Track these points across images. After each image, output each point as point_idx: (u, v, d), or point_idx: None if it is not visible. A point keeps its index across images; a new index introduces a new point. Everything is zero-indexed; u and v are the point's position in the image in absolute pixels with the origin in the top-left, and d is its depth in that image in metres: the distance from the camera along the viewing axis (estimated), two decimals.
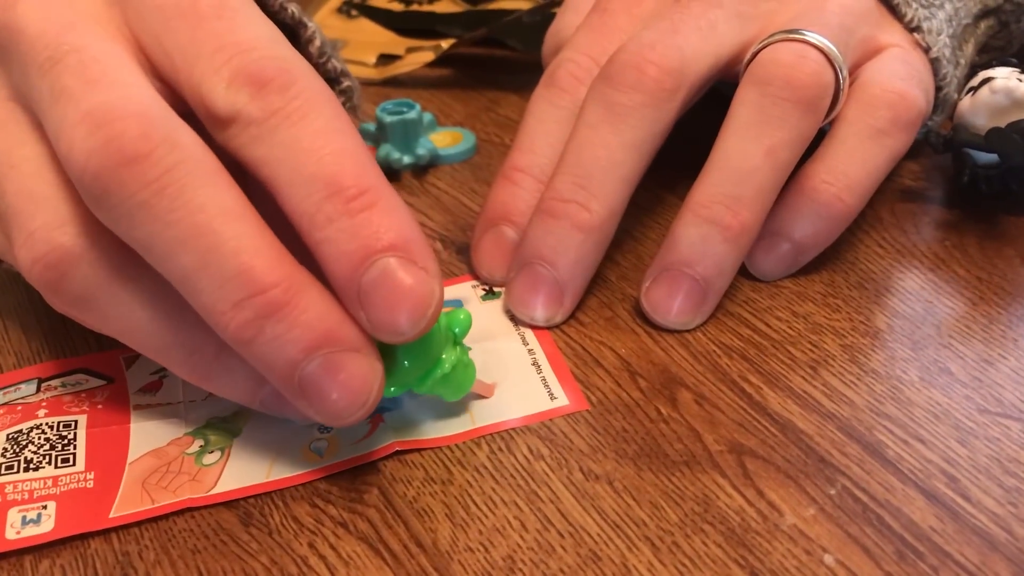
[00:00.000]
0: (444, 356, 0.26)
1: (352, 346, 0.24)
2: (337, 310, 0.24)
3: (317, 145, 0.23)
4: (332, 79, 0.32)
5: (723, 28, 0.31)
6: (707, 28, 0.31)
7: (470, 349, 0.28)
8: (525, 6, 0.50)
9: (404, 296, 0.23)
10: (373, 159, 0.24)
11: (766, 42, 0.30)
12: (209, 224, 0.23)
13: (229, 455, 0.27)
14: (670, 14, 0.31)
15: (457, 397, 0.27)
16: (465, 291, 0.32)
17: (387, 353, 0.25)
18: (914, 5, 0.34)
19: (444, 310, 0.25)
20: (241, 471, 0.26)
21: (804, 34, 0.30)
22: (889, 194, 0.36)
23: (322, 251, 0.23)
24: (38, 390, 0.29)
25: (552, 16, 0.39)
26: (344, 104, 0.32)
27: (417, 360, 0.26)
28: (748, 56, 0.30)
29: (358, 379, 0.24)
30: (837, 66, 0.30)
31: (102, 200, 0.23)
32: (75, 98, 0.23)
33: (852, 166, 0.30)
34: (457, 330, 0.27)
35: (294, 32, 0.31)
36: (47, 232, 0.24)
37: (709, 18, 0.31)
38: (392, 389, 0.26)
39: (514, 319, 0.31)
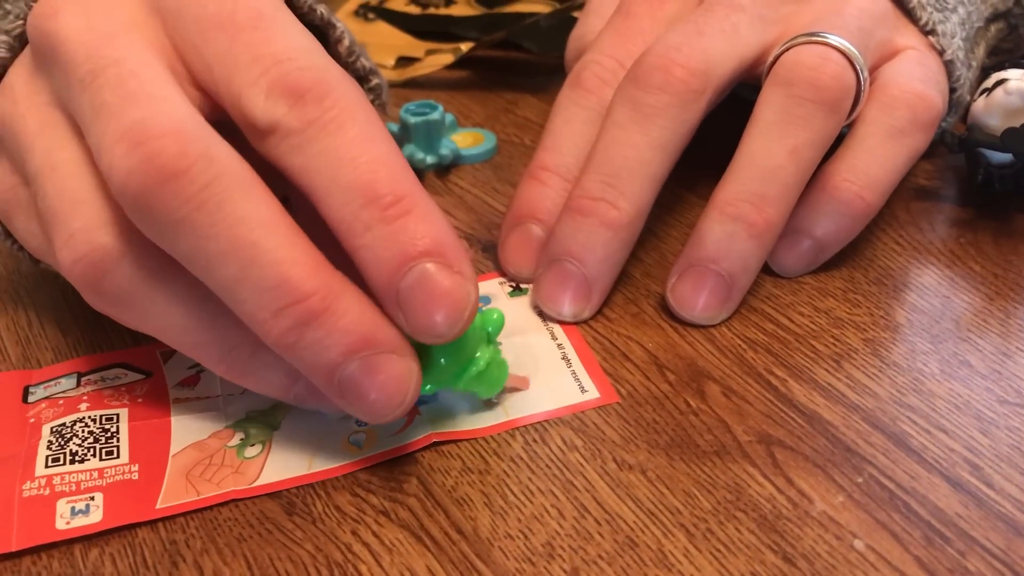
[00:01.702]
0: (479, 354, 0.27)
1: (390, 348, 0.24)
2: (374, 313, 0.25)
3: (353, 154, 0.24)
4: (361, 77, 0.32)
5: (746, 31, 0.32)
6: (731, 31, 0.32)
7: (500, 344, 0.28)
8: (541, 9, 0.51)
9: (441, 299, 0.24)
10: (407, 165, 0.25)
11: (788, 44, 0.31)
12: (248, 236, 0.24)
13: (270, 448, 0.27)
14: (694, 17, 0.32)
15: (492, 394, 0.28)
16: (492, 287, 0.33)
17: (424, 352, 0.26)
18: (929, 9, 0.35)
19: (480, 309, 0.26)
20: (283, 464, 0.27)
21: (826, 37, 0.31)
22: (904, 193, 0.37)
23: (361, 257, 0.24)
24: (78, 384, 0.30)
25: (569, 19, 0.40)
26: (373, 102, 0.32)
27: (453, 358, 0.26)
28: (771, 58, 0.31)
29: (396, 380, 0.24)
30: (858, 68, 0.30)
31: (144, 217, 0.24)
32: (114, 114, 0.24)
33: (872, 165, 0.31)
34: (491, 329, 0.28)
35: (323, 32, 0.31)
36: (88, 233, 0.25)
37: (732, 21, 0.32)
38: (429, 387, 0.26)
39: (542, 315, 0.32)
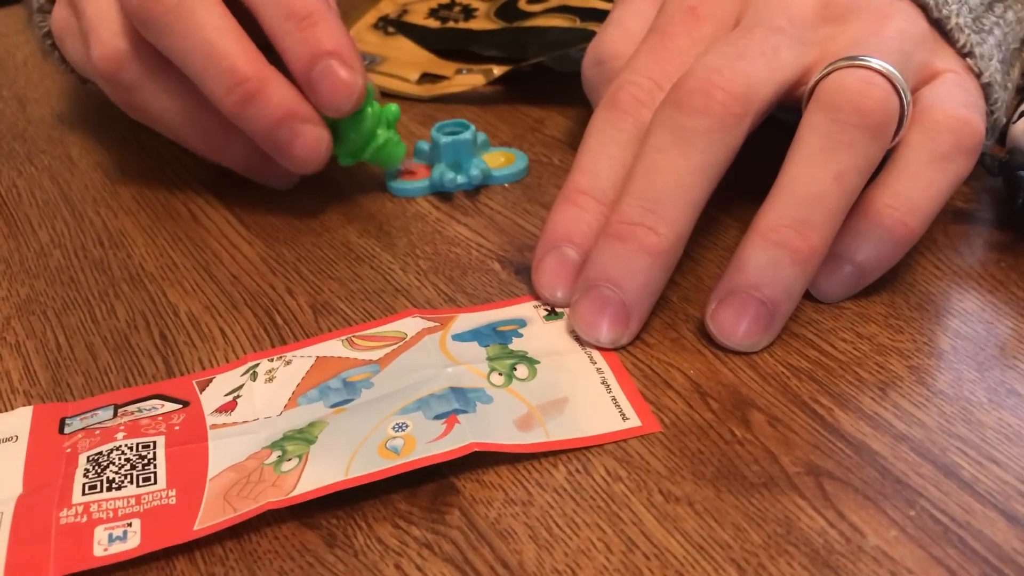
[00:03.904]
0: (379, 132, 0.38)
1: (307, 119, 0.36)
2: (296, 95, 0.36)
3: None
4: None
5: (786, 53, 0.31)
6: (771, 53, 0.31)
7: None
8: (560, 23, 0.50)
9: (338, 85, 0.35)
10: None
11: (830, 68, 0.30)
12: (207, 37, 0.35)
13: (307, 461, 0.27)
14: (734, 40, 0.32)
15: (392, 166, 0.40)
16: (527, 311, 0.33)
17: (336, 129, 0.37)
18: (967, 31, 0.34)
19: (381, 104, 0.38)
20: (319, 473, 0.26)
21: (868, 60, 0.30)
22: (942, 215, 0.36)
23: (285, 57, 0.36)
24: (115, 415, 0.29)
25: None
26: None
27: (358, 134, 0.38)
28: (812, 82, 0.31)
29: (313, 141, 0.36)
30: (902, 91, 0.30)
31: (142, 24, 0.36)
32: None
33: (915, 191, 0.31)
34: (390, 118, 0.39)
35: None
36: (112, 38, 0.37)
37: (772, 43, 0.31)
38: (343, 156, 0.38)
39: (579, 340, 0.31)
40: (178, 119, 0.38)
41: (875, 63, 0.30)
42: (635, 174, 0.31)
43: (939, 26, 0.34)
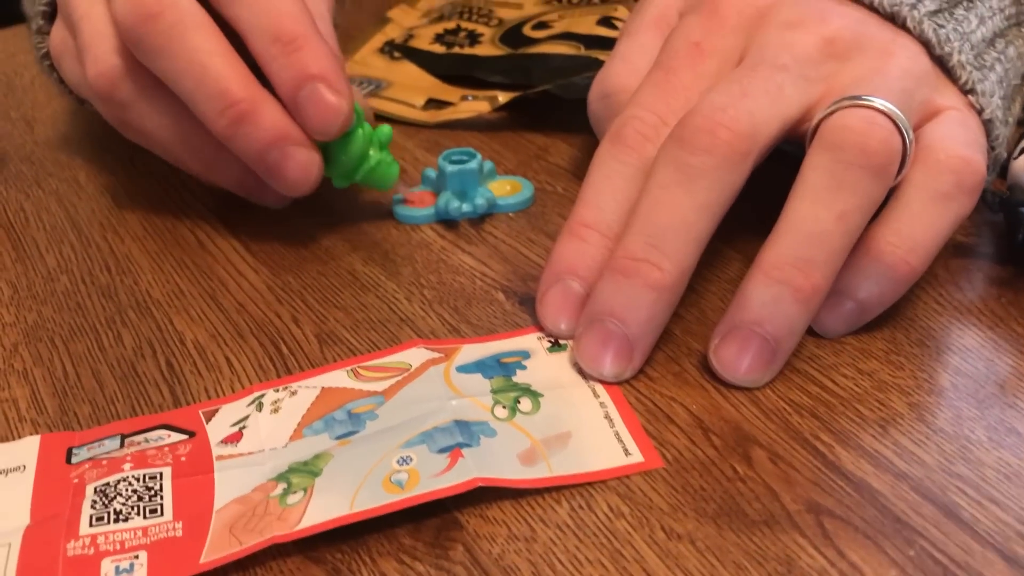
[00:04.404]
0: (371, 154, 0.38)
1: (298, 142, 0.36)
2: (287, 117, 0.36)
3: (266, 7, 0.36)
4: None
5: (790, 91, 0.32)
6: (775, 91, 0.32)
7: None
8: (565, 51, 0.51)
9: (324, 109, 0.36)
10: (307, 14, 0.36)
11: (834, 107, 0.31)
12: (199, 59, 0.35)
13: (312, 494, 0.27)
14: (739, 77, 0.32)
15: (385, 187, 0.39)
16: (531, 343, 0.33)
17: (327, 152, 0.38)
18: (968, 68, 0.35)
19: (373, 125, 0.39)
20: (325, 506, 0.27)
21: (871, 100, 0.31)
22: (943, 250, 0.36)
23: (273, 80, 0.36)
24: (122, 445, 0.29)
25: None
26: None
27: (349, 156, 0.38)
28: (815, 120, 0.31)
29: (304, 162, 0.37)
30: (904, 131, 0.31)
31: (135, 45, 0.36)
32: None
33: (917, 229, 0.31)
34: (382, 139, 0.39)
35: None
36: (106, 56, 0.37)
37: (776, 81, 0.32)
38: (337, 179, 0.39)
39: (582, 373, 0.31)
40: (171, 139, 0.39)
41: (878, 103, 0.31)
42: (639, 210, 0.31)
43: (941, 63, 0.35)
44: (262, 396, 0.31)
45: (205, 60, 0.35)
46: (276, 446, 0.29)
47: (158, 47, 0.35)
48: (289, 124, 0.36)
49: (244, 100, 0.35)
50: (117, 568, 0.25)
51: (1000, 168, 0.37)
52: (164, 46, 0.35)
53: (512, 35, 0.53)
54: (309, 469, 0.28)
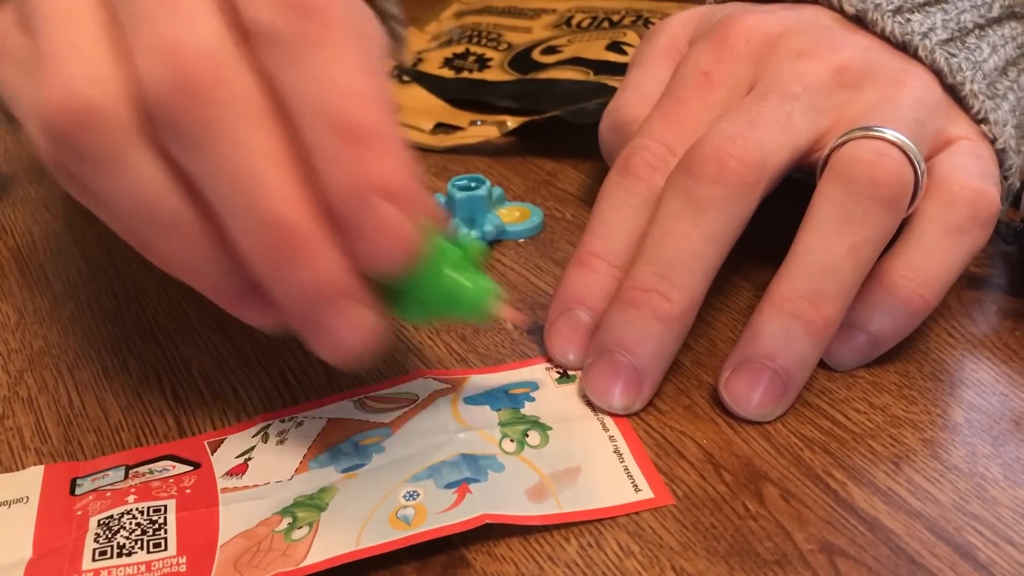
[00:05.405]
0: (457, 281, 0.28)
1: (355, 298, 0.25)
2: (345, 262, 0.25)
3: (334, 80, 0.24)
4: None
5: (799, 120, 0.32)
6: (784, 121, 0.31)
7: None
8: (574, 76, 0.51)
9: (383, 235, 0.25)
10: (384, 98, 0.25)
11: (845, 138, 0.31)
12: (250, 165, 0.24)
13: (317, 529, 0.27)
14: (748, 106, 0.32)
15: (478, 319, 0.29)
16: (539, 373, 0.33)
17: (401, 290, 0.27)
18: (981, 97, 0.34)
19: (456, 237, 0.29)
20: (330, 542, 0.26)
21: (883, 131, 0.30)
22: (956, 281, 0.36)
23: (323, 181, 0.25)
24: (126, 476, 0.29)
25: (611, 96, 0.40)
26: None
27: (431, 296, 0.28)
28: (826, 151, 0.31)
29: (358, 328, 0.26)
30: (916, 162, 0.30)
31: (162, 123, 0.24)
32: (156, 24, 0.24)
33: (931, 262, 0.31)
34: (473, 257, 0.28)
35: None
36: (80, 78, 0.25)
37: (786, 110, 0.32)
38: (409, 315, 0.28)
39: (591, 405, 0.31)
40: (146, 223, 0.26)
41: (889, 134, 0.30)
42: (648, 240, 0.31)
43: (953, 92, 0.34)
44: (268, 427, 0.31)
45: (257, 166, 0.24)
46: (281, 479, 0.29)
47: (193, 135, 0.24)
48: (347, 270, 0.25)
49: (299, 234, 0.24)
50: None
51: (1013, 198, 0.36)
52: (202, 135, 0.24)
53: (521, 60, 0.53)
54: (315, 503, 0.28)
